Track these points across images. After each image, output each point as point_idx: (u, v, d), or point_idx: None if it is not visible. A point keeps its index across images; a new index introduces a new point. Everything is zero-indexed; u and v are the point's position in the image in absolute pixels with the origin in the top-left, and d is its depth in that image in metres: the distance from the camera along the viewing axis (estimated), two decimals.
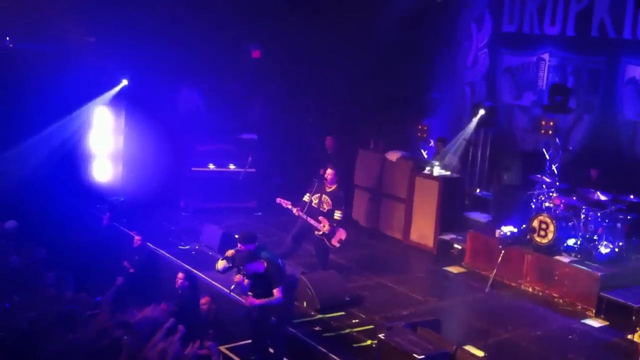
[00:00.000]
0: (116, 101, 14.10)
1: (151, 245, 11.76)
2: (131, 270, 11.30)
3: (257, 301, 8.31)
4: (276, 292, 8.31)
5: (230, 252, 8.67)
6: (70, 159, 13.78)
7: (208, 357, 9.16)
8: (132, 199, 13.41)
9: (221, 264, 8.77)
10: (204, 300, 9.84)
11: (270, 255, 8.71)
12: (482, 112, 13.41)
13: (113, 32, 13.34)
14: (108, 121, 14.31)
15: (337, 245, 10.64)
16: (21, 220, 11.44)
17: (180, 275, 10.52)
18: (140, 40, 13.36)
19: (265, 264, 8.34)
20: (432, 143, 13.67)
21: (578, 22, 12.89)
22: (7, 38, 13.45)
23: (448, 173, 12.61)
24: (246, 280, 8.49)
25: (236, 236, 9.43)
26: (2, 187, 12.34)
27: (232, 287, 8.94)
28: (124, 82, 13.86)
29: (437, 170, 12.57)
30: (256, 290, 8.50)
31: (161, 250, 11.79)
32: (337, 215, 10.58)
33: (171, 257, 11.60)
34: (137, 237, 11.56)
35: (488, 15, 14.48)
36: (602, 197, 10.82)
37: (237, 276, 8.45)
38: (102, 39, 13.59)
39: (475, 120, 13.41)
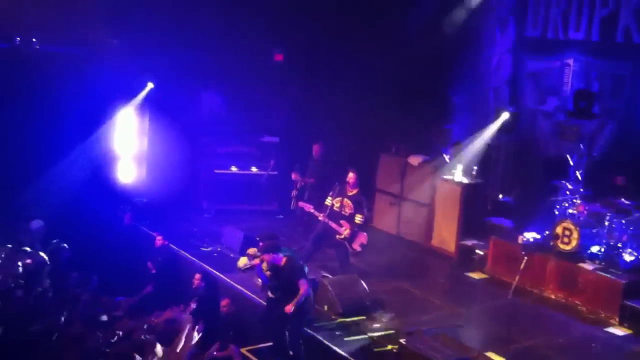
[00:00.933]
0: (141, 103, 14.23)
1: (173, 247, 11.85)
2: (153, 271, 11.41)
3: (292, 304, 8.40)
4: (301, 284, 8.42)
5: (252, 250, 8.83)
6: (96, 160, 13.91)
7: (229, 358, 9.24)
8: (155, 201, 13.54)
9: (243, 260, 8.94)
10: (224, 302, 9.92)
11: (291, 253, 8.84)
12: (504, 116, 13.33)
13: (138, 36, 13.47)
14: (132, 123, 14.45)
15: (359, 249, 10.65)
16: (46, 220, 11.57)
17: (197, 276, 10.64)
18: (164, 44, 13.47)
19: (285, 259, 8.46)
20: None
21: (603, 27, 12.76)
22: (34, 40, 13.59)
23: (467, 180, 12.55)
24: (268, 272, 8.58)
25: (257, 238, 9.52)
26: (29, 188, 12.51)
27: (259, 280, 9.09)
28: (150, 86, 13.98)
29: (459, 176, 12.52)
30: (281, 289, 8.58)
31: (183, 252, 11.88)
32: (358, 219, 10.59)
33: (193, 258, 11.67)
34: (158, 238, 11.67)
35: (512, 20, 14.39)
36: (627, 204, 10.71)
37: (255, 260, 8.59)
38: (127, 42, 13.70)
39: (496, 124, 13.33)
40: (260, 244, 8.89)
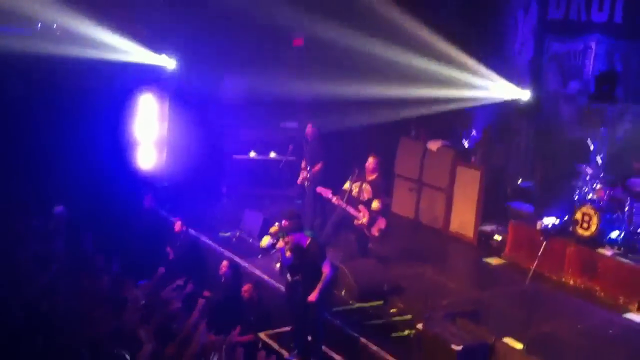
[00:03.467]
0: (161, 89, 14.32)
1: (193, 232, 11.95)
2: (171, 257, 11.48)
3: (317, 292, 8.39)
4: (324, 267, 8.44)
5: (274, 228, 8.84)
6: (117, 145, 14.05)
7: (252, 342, 9.29)
8: (175, 185, 13.67)
9: (266, 239, 8.96)
10: (246, 287, 9.97)
11: (314, 234, 8.84)
12: (524, 97, 13.23)
13: (161, 21, 13.51)
14: (153, 108, 14.56)
15: (377, 234, 10.64)
16: (69, 204, 11.73)
17: (224, 263, 10.69)
18: (185, 29, 13.52)
19: (310, 240, 8.46)
20: (474, 132, 13.55)
21: (626, 8, 12.57)
22: (55, 25, 13.69)
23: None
24: (288, 252, 8.56)
25: (281, 216, 9.46)
26: (51, 175, 12.68)
27: (277, 264, 9.10)
28: (171, 67, 14.06)
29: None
30: (302, 271, 8.56)
31: (202, 237, 11.97)
32: (376, 205, 10.55)
33: (212, 243, 11.77)
34: (177, 222, 11.75)
35: (534, 2, 14.23)
36: None
37: (279, 243, 8.60)
38: (151, 28, 13.77)
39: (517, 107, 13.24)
40: (284, 222, 8.80)
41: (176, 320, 8.13)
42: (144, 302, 8.79)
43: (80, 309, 8.92)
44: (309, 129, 12.35)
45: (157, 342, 7.36)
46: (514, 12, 14.49)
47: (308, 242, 8.52)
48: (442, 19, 13.70)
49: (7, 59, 12.40)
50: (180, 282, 9.38)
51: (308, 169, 12.01)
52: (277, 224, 8.89)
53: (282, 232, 8.64)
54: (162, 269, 11.27)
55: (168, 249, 11.54)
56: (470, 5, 14.00)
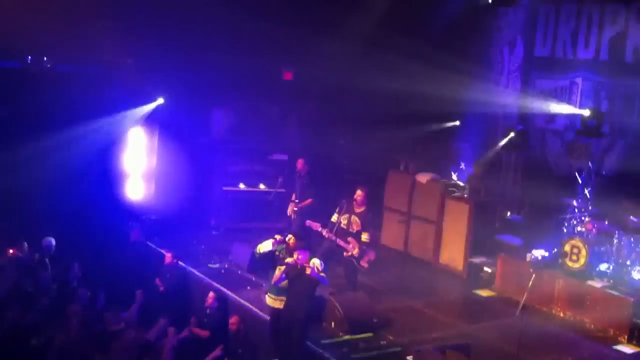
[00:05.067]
0: (150, 121, 14.35)
1: (182, 264, 11.87)
2: (161, 289, 11.40)
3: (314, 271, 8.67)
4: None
5: (279, 237, 8.96)
6: (106, 177, 14.02)
7: None
8: (164, 218, 13.60)
9: (266, 245, 9.04)
10: (233, 320, 9.91)
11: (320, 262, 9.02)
12: (512, 135, 13.35)
13: (150, 54, 13.60)
14: (142, 141, 14.56)
15: (366, 266, 10.61)
16: (56, 236, 11.65)
17: (211, 294, 10.63)
18: (174, 62, 13.60)
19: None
20: (462, 166, 13.63)
21: (612, 47, 12.80)
22: (45, 58, 13.75)
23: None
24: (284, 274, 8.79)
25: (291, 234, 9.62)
26: (40, 203, 12.61)
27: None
28: (160, 100, 14.12)
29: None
30: (292, 292, 8.70)
31: (191, 269, 11.88)
32: (365, 237, 10.55)
33: (202, 275, 11.68)
34: (167, 255, 11.70)
35: (520, 39, 14.45)
36: (636, 222, 10.66)
37: (290, 259, 8.89)
38: (140, 61, 13.84)
39: (503, 142, 13.34)
40: (292, 240, 9.07)
41: None
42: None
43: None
44: (300, 163, 12.41)
45: None
46: (500, 47, 14.71)
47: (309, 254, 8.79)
48: (428, 50, 13.87)
49: None
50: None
51: (297, 201, 12.05)
52: (281, 235, 9.07)
53: (284, 248, 8.81)
54: (139, 293, 11.26)
55: (157, 281, 11.45)
56: (454, 40, 14.20)
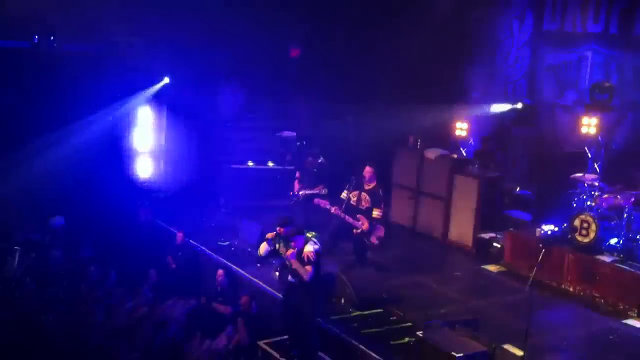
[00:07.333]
0: (158, 100, 14.35)
1: (192, 242, 11.93)
2: (173, 266, 11.51)
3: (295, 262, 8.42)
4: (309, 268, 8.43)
5: (270, 234, 8.85)
6: (115, 156, 14.07)
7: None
8: (173, 196, 13.65)
9: (264, 246, 8.96)
10: (243, 300, 9.95)
11: (316, 235, 8.89)
12: (520, 107, 13.30)
13: (158, 33, 13.57)
14: (150, 119, 14.58)
15: (376, 242, 10.62)
16: (68, 216, 11.72)
17: (220, 272, 10.70)
18: (182, 41, 13.56)
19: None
20: (471, 141, 13.59)
21: (621, 20, 12.67)
22: (52, 38, 13.74)
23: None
24: (295, 264, 8.56)
25: (277, 226, 9.49)
26: (50, 184, 12.67)
27: (276, 273, 9.09)
28: (166, 80, 14.10)
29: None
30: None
31: (201, 247, 11.95)
32: (376, 213, 10.56)
33: (211, 253, 11.74)
34: (179, 234, 11.78)
35: (529, 14, 14.33)
36: None
37: (281, 249, 8.64)
38: (148, 39, 13.81)
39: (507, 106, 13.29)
40: (280, 229, 8.78)
41: None
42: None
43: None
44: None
45: None
46: (510, 23, 14.60)
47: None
48: (437, 28, 13.77)
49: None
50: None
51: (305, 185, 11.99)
52: (272, 232, 8.93)
53: (279, 239, 8.69)
54: (152, 272, 11.33)
55: (169, 258, 11.54)
56: (463, 16, 14.09)
